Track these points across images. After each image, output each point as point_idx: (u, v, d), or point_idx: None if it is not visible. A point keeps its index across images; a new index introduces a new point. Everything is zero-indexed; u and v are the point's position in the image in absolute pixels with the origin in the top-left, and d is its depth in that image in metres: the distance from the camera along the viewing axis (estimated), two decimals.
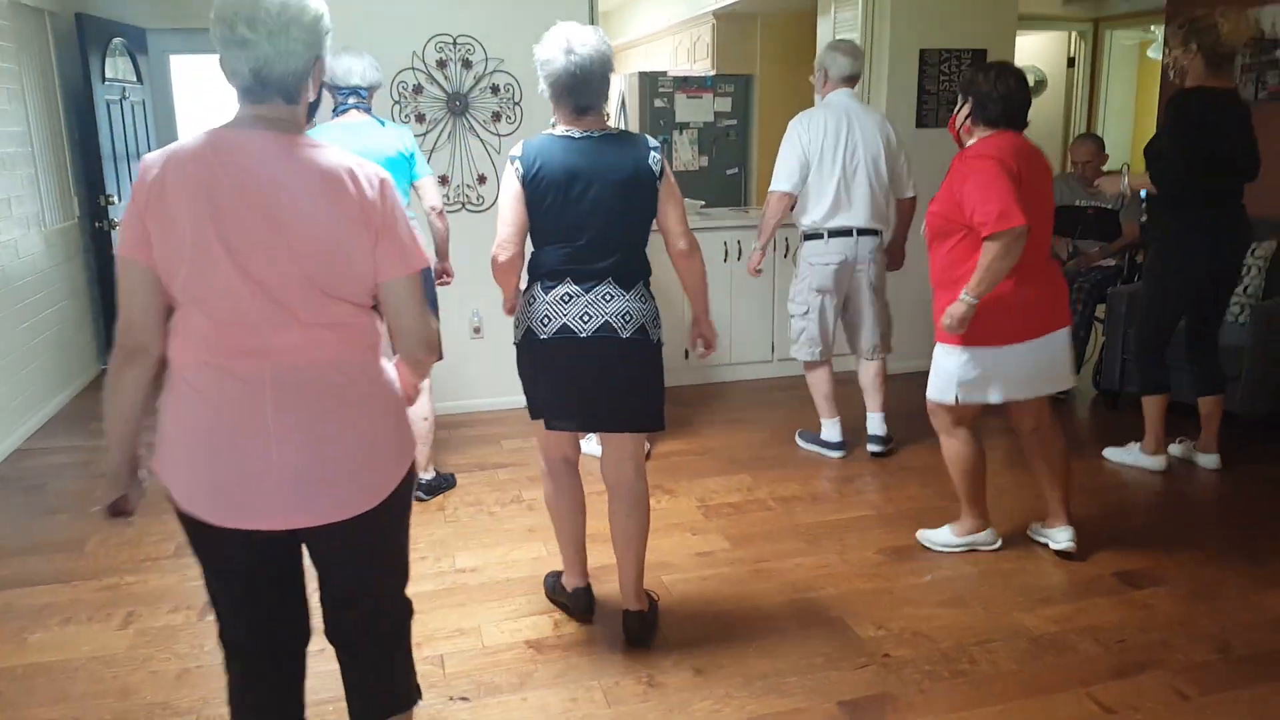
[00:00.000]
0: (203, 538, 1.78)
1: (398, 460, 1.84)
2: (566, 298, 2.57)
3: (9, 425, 4.62)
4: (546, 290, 2.59)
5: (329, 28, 1.72)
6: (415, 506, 3.76)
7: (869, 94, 5.41)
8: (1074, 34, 8.12)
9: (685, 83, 6.32)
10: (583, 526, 2.91)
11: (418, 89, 4.67)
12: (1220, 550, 3.34)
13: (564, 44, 2.49)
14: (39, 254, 5.19)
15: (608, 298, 2.57)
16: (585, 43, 2.50)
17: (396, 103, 4.67)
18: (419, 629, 2.81)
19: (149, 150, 6.44)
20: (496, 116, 4.76)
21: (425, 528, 3.60)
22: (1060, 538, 3.27)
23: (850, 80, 4.14)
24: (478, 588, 3.14)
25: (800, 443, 4.47)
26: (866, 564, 3.28)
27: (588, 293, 2.57)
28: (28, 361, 4.90)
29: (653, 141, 2.66)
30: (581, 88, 2.52)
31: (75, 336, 5.68)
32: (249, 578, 1.84)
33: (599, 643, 2.81)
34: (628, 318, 2.59)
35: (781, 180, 4.12)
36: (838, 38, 5.50)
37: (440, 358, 1.86)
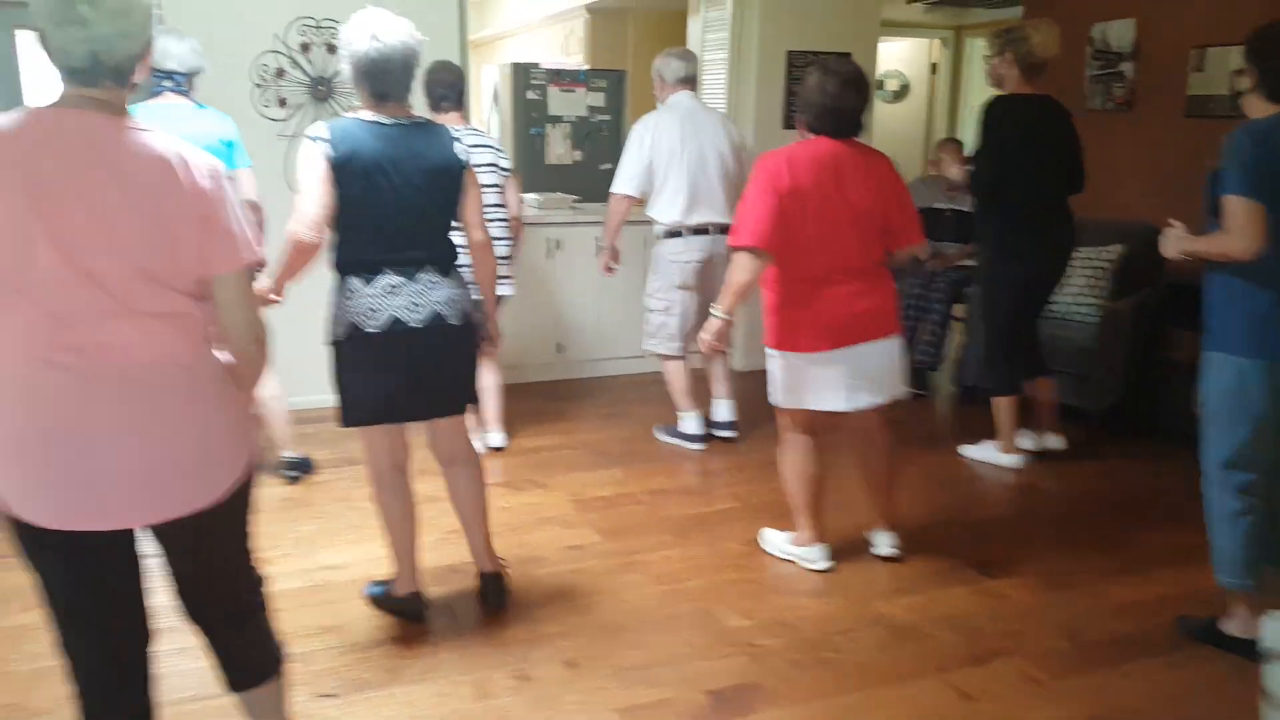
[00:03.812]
0: (33, 543, 1.69)
1: (237, 453, 1.80)
2: (391, 288, 2.56)
3: None
4: (367, 281, 2.56)
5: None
6: (280, 499, 3.76)
7: (737, 95, 5.53)
8: (937, 41, 8.46)
9: (558, 75, 6.33)
10: (414, 532, 2.89)
11: (280, 72, 4.54)
12: (1071, 541, 3.55)
13: (371, 29, 2.49)
14: None
15: (432, 285, 2.61)
16: (392, 32, 2.50)
17: (258, 86, 4.53)
18: (285, 626, 2.79)
19: None
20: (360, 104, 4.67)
21: (291, 524, 3.54)
22: (881, 542, 3.34)
23: (687, 82, 4.28)
24: (344, 584, 3.11)
25: (660, 436, 4.56)
26: (733, 555, 3.39)
27: (411, 280, 2.58)
28: None
29: (454, 133, 2.68)
30: (382, 75, 2.51)
31: None
32: (83, 584, 1.75)
33: (468, 638, 2.83)
34: (454, 304, 2.65)
35: (623, 182, 4.24)
36: (694, 46, 5.63)
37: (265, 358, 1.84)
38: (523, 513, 3.69)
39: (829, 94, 2.95)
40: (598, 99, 6.41)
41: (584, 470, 4.15)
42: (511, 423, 4.53)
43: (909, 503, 3.74)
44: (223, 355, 1.80)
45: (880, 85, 8.28)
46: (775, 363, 3.13)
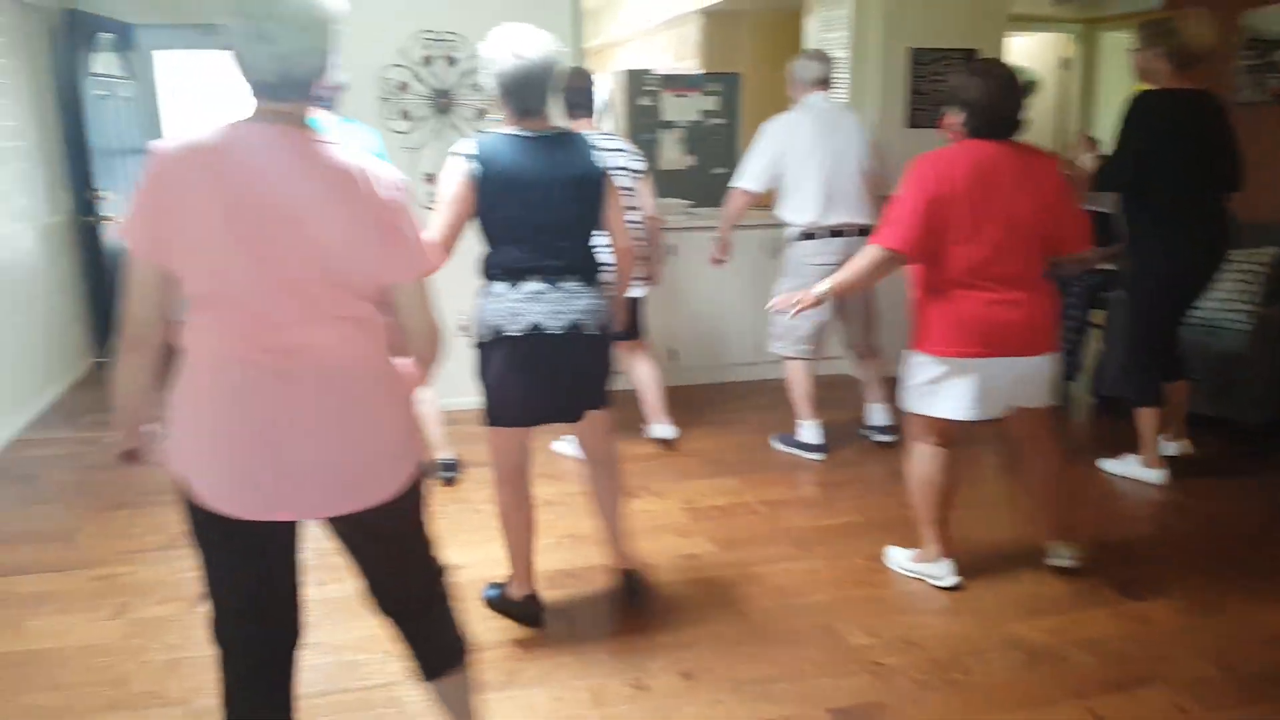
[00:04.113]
0: (212, 530, 1.77)
1: (412, 448, 1.89)
2: (536, 294, 2.61)
3: (2, 418, 4.61)
4: (512, 286, 2.61)
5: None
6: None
7: (858, 94, 5.41)
8: (1068, 35, 8.12)
9: (671, 81, 6.31)
10: (532, 534, 2.92)
11: (403, 86, 4.66)
12: (1220, 563, 3.32)
13: (513, 46, 2.53)
14: (31, 249, 5.17)
15: (575, 294, 2.65)
16: (534, 46, 2.53)
17: (385, 100, 4.65)
18: (346, 632, 2.85)
19: (137, 144, 6.42)
20: (481, 113, 4.75)
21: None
22: (1058, 554, 3.23)
23: (820, 84, 4.24)
24: (464, 585, 3.14)
25: (777, 446, 4.49)
26: (856, 570, 3.29)
27: (555, 288, 2.63)
28: (20, 355, 4.89)
29: (598, 135, 2.72)
30: (527, 90, 2.56)
31: (67, 330, 5.67)
32: (251, 572, 1.84)
33: (586, 643, 2.83)
34: (593, 314, 2.68)
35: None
36: (813, 46, 5.55)
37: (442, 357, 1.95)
38: (635, 520, 3.65)
39: (990, 95, 2.85)
40: (712, 103, 6.37)
41: (698, 478, 4.11)
42: (624, 428, 4.52)
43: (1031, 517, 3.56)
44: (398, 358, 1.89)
45: None
46: (911, 364, 3.04)
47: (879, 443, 4.46)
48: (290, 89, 1.66)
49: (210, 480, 1.71)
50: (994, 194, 2.83)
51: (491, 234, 2.64)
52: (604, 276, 2.78)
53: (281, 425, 1.70)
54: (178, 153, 1.63)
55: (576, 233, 2.69)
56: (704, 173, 6.29)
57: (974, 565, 3.24)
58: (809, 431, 4.36)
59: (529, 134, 2.60)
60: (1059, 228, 2.92)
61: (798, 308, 3.05)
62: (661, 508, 3.80)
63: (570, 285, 2.64)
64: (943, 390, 2.96)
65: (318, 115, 3.49)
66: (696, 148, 6.35)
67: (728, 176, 4.36)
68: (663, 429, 4.45)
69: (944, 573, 3.14)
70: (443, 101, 4.71)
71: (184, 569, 3.28)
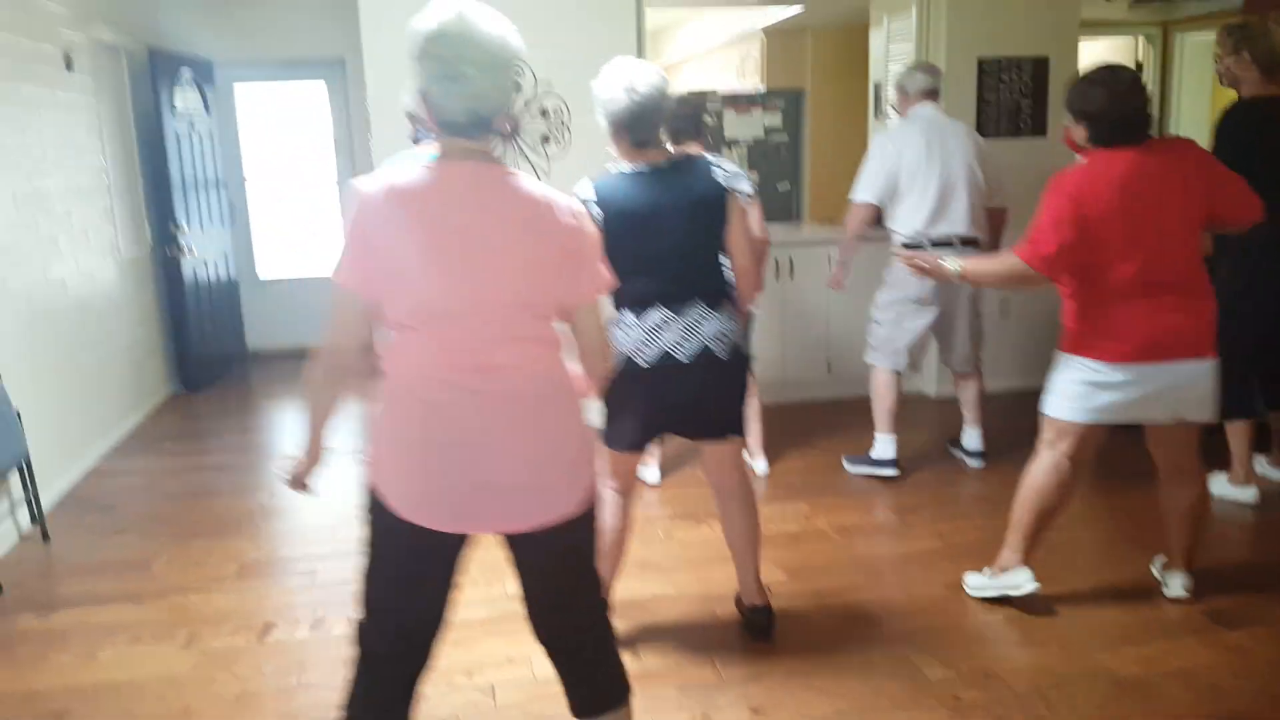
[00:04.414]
0: (394, 540, 1.85)
1: (591, 464, 1.94)
2: (662, 323, 2.64)
3: (82, 446, 4.74)
4: (639, 316, 2.64)
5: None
6: None
7: None
8: (1141, 38, 7.88)
9: (733, 99, 6.29)
10: (621, 560, 2.94)
11: None
12: None
13: (625, 81, 2.57)
14: (113, 281, 5.33)
15: (702, 320, 2.65)
16: (645, 80, 2.57)
17: None
18: (469, 656, 2.85)
19: (215, 177, 6.60)
20: (545, 139, 4.76)
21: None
22: (1174, 583, 3.10)
23: (930, 94, 4.20)
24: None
25: (849, 468, 4.38)
26: (933, 599, 3.18)
27: (681, 316, 2.64)
28: (102, 385, 5.03)
29: (709, 157, 2.70)
30: (642, 124, 2.60)
31: (146, 361, 5.82)
32: (419, 586, 1.90)
33: (650, 677, 2.77)
34: (723, 339, 2.68)
35: (862, 190, 4.18)
36: (878, 60, 5.46)
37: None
38: (703, 547, 3.61)
39: (1115, 102, 2.75)
40: (774, 119, 6.32)
41: (767, 503, 4.02)
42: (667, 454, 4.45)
43: (1125, 542, 3.41)
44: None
45: None
46: (1064, 369, 2.94)
47: (969, 467, 4.34)
48: (477, 126, 1.75)
49: (404, 491, 1.81)
50: (1142, 203, 2.74)
51: (618, 268, 2.65)
52: (731, 299, 2.77)
53: (474, 441, 1.78)
54: (379, 192, 1.73)
55: (699, 258, 2.69)
56: (767, 187, 6.24)
57: (1056, 592, 3.12)
58: (883, 446, 4.26)
59: (644, 168, 2.64)
60: (1224, 206, 2.81)
61: (918, 266, 3.01)
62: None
63: (696, 311, 2.65)
64: (1096, 395, 2.86)
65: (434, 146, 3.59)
66: (760, 164, 6.31)
67: (791, 192, 4.31)
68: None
69: (1024, 579, 3.02)
70: (507, 129, 4.73)
71: (255, 599, 3.32)
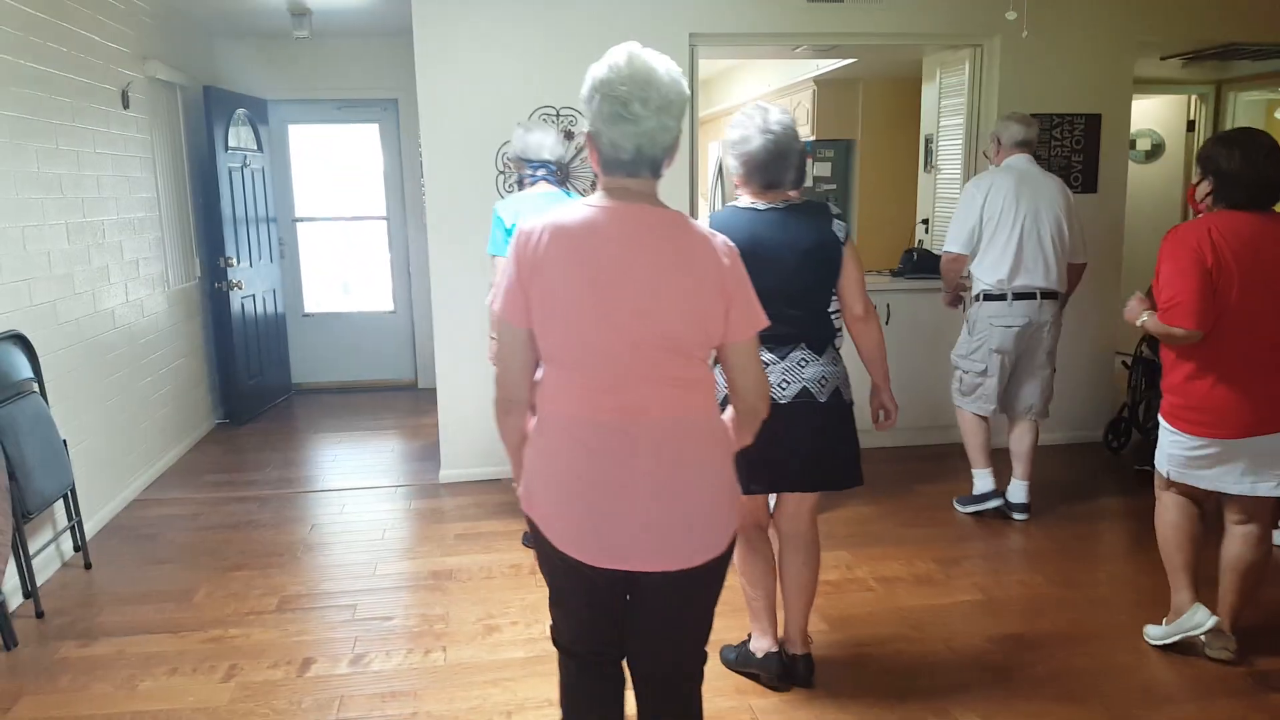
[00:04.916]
0: (560, 567, 1.90)
1: (732, 513, 1.93)
2: (764, 365, 2.61)
3: (126, 476, 4.80)
4: None
5: None
6: (508, 565, 3.82)
7: (979, 160, 5.29)
8: (1193, 97, 7.83)
9: None
10: (775, 589, 2.91)
11: None
12: None
13: (760, 123, 2.58)
14: (162, 313, 5.43)
15: (803, 363, 2.65)
16: (780, 121, 2.59)
17: (501, 173, 4.76)
18: (509, 697, 2.83)
19: (267, 213, 6.74)
20: (595, 185, 4.80)
21: (516, 591, 3.58)
22: (1222, 645, 3.02)
23: (1024, 145, 4.23)
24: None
25: (961, 509, 4.38)
26: (975, 654, 3.11)
27: (783, 359, 2.63)
28: (147, 415, 5.10)
29: (834, 209, 2.72)
30: (776, 164, 2.61)
31: (192, 392, 5.91)
32: (589, 604, 1.95)
33: None
34: (824, 382, 2.66)
35: (953, 241, 4.24)
36: (931, 113, 5.46)
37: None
38: (738, 590, 3.54)
39: (1248, 164, 2.76)
40: (824, 169, 6.33)
41: None
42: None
43: (1159, 599, 3.30)
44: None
45: (1132, 145, 7.73)
46: (1165, 436, 2.95)
47: (1014, 520, 4.28)
48: (643, 165, 1.78)
49: (556, 524, 1.86)
50: (1260, 267, 2.74)
51: None
52: (837, 344, 2.75)
53: (623, 481, 1.80)
54: (542, 230, 1.78)
55: (807, 301, 2.67)
56: None
57: (1088, 648, 3.08)
58: (983, 480, 4.30)
59: (763, 206, 2.64)
60: None
61: (1133, 314, 2.98)
62: None
63: (799, 354, 2.64)
64: (1209, 466, 2.88)
65: (544, 189, 3.67)
66: None
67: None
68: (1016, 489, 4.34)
69: (1202, 617, 3.00)
70: (559, 174, 4.79)
71: (294, 633, 3.32)
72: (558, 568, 1.92)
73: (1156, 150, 8.03)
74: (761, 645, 2.92)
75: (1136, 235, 6.41)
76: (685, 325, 1.78)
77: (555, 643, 2.07)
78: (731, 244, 1.87)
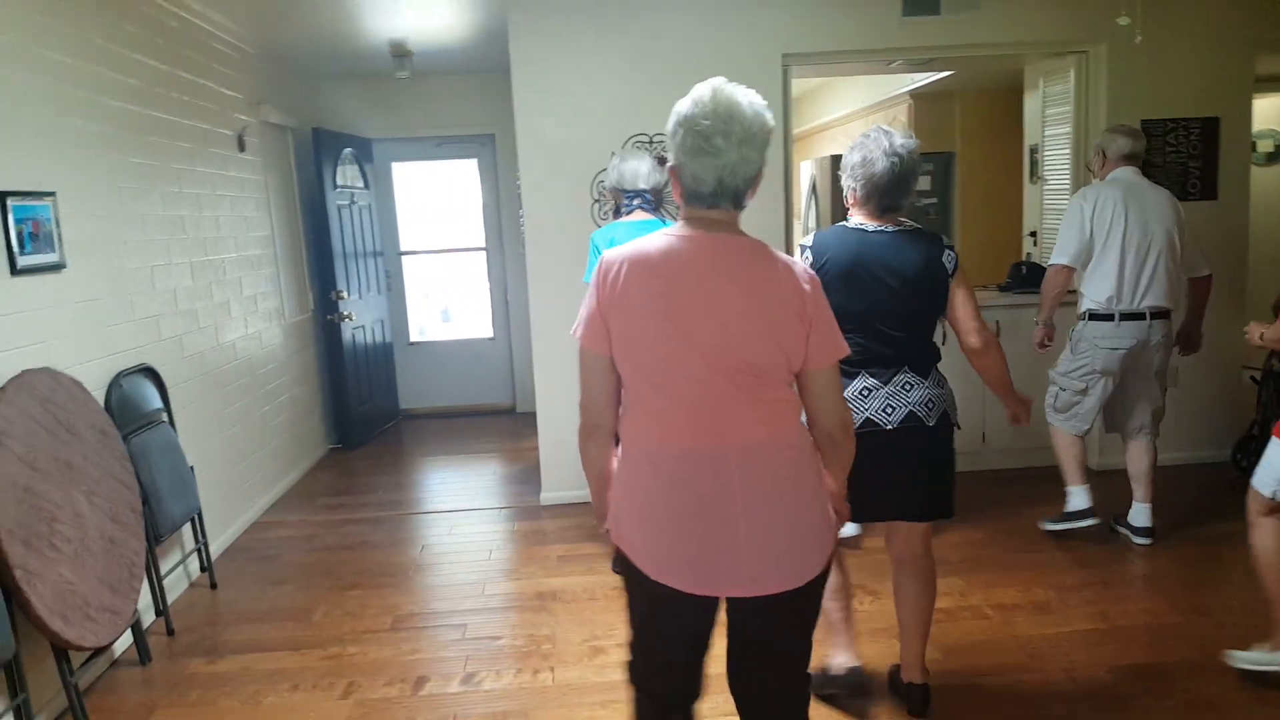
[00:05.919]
0: (650, 598, 1.90)
1: (828, 533, 1.92)
2: (866, 391, 2.61)
3: (248, 500, 5.00)
4: (848, 379, 2.60)
5: None
6: (610, 586, 3.84)
7: (1084, 171, 5.12)
8: None
9: None
10: (851, 603, 2.97)
11: None
12: None
13: (886, 146, 2.56)
14: (278, 344, 5.67)
15: (908, 387, 2.61)
16: (905, 145, 2.57)
17: (596, 201, 4.83)
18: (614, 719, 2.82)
19: (374, 247, 6.97)
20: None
21: (619, 614, 3.55)
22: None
23: (1132, 159, 4.06)
24: None
25: (1048, 528, 4.23)
26: (1098, 684, 2.98)
27: (887, 384, 2.61)
28: (266, 441, 5.32)
29: (946, 240, 2.69)
30: (897, 188, 2.59)
31: (306, 419, 6.13)
32: (676, 637, 1.96)
33: None
34: (931, 405, 2.62)
35: (1061, 253, 4.06)
36: (1034, 122, 5.30)
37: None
38: (854, 620, 3.48)
39: None
40: (924, 182, 6.23)
41: None
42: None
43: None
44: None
45: (1253, 147, 7.38)
46: (1272, 448, 2.84)
47: (1136, 544, 4.10)
48: (724, 197, 1.80)
49: (648, 555, 1.86)
50: None
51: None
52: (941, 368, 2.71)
53: (714, 506, 1.80)
54: (625, 260, 1.81)
55: (913, 325, 2.64)
56: None
57: (1220, 679, 2.91)
58: (1077, 498, 4.12)
59: (871, 227, 2.63)
60: None
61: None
62: (880, 609, 3.59)
63: (904, 379, 2.61)
64: None
65: (640, 216, 3.74)
66: None
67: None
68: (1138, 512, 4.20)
69: None
70: (652, 200, 4.83)
71: (409, 651, 3.40)
72: (648, 599, 1.91)
73: (1279, 153, 7.66)
74: (840, 661, 2.87)
75: (1260, 243, 6.11)
76: (767, 351, 1.78)
77: (632, 680, 2.05)
78: (813, 272, 1.87)
